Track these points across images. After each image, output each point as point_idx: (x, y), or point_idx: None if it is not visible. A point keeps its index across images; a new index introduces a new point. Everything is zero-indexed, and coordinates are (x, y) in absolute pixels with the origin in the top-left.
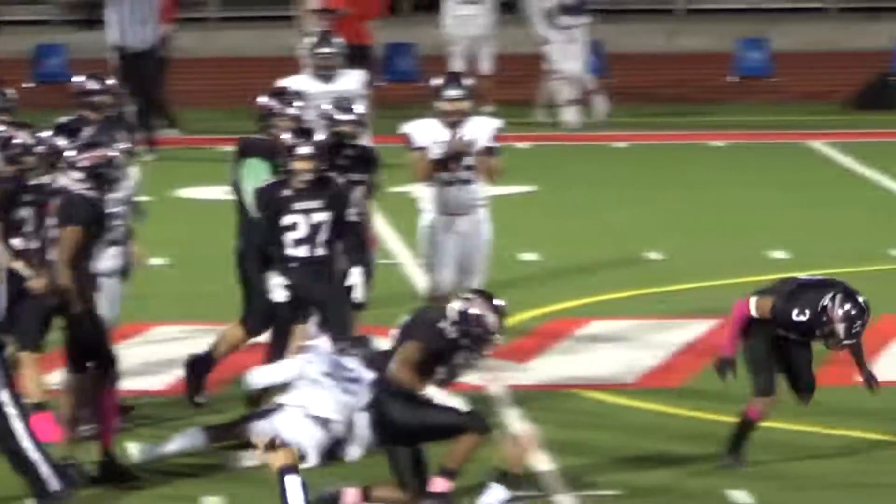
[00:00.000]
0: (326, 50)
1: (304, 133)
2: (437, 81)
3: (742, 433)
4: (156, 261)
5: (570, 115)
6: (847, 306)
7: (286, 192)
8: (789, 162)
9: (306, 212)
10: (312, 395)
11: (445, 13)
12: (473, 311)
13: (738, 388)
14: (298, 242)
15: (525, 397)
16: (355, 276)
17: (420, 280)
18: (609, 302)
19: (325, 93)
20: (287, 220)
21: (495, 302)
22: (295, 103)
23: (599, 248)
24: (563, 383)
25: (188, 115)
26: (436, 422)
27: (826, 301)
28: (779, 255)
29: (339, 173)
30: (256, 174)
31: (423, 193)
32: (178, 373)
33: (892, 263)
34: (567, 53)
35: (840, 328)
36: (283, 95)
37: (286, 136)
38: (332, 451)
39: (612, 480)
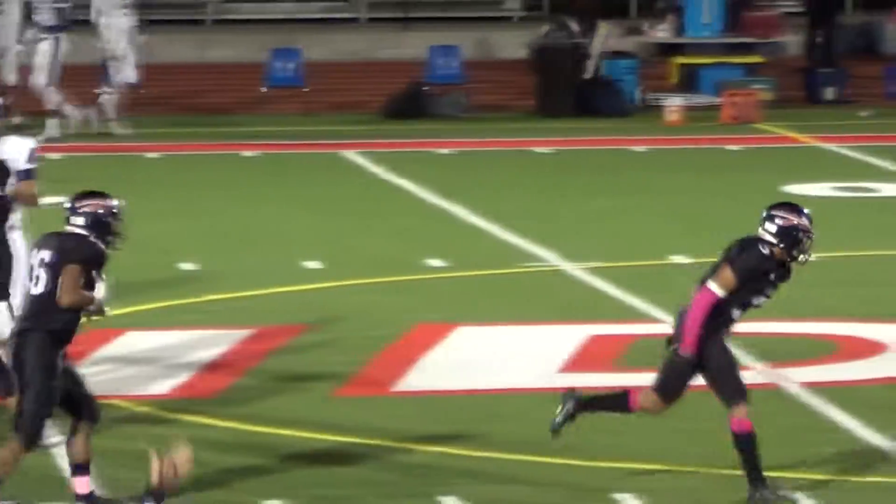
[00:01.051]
0: None
1: None
2: None
3: (753, 454)
4: None
5: (51, 128)
6: (803, 215)
7: None
8: (322, 172)
9: None
10: None
11: None
12: (96, 208)
13: (270, 401)
14: None
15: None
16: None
17: None
18: (144, 313)
19: None
20: None
21: (94, 191)
22: None
23: (134, 259)
24: (100, 394)
25: None
26: (28, 394)
27: (780, 222)
28: (313, 265)
29: None
30: None
31: None
32: None
33: (426, 273)
34: (35, 65)
35: (811, 231)
36: None
37: None
38: None
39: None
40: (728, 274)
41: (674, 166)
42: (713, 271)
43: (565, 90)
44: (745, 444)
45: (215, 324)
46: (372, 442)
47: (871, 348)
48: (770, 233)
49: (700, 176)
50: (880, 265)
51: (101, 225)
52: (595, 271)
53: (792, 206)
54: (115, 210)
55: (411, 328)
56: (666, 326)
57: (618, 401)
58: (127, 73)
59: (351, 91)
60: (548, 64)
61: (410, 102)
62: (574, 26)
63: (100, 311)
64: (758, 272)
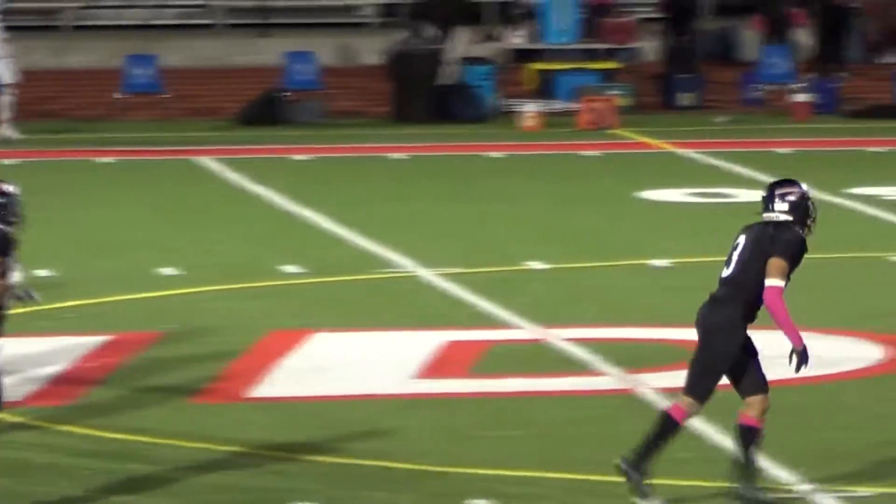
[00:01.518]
0: None
1: None
2: None
3: (662, 441)
4: None
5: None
6: (801, 185)
7: None
8: (178, 178)
9: None
10: None
11: None
12: None
13: (126, 408)
14: None
15: None
16: None
17: None
18: None
19: None
20: None
21: None
22: None
23: None
24: None
25: None
26: None
27: (791, 197)
28: (168, 271)
29: None
30: None
31: None
32: None
33: (282, 279)
34: None
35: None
36: None
37: None
38: None
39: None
40: (782, 264)
41: (530, 172)
42: (739, 270)
43: (422, 96)
44: (667, 429)
45: (70, 331)
46: (226, 449)
47: None
48: (785, 212)
49: (556, 182)
50: None
51: (2, 207)
52: (451, 277)
53: (788, 181)
54: (10, 192)
55: (266, 334)
56: (522, 332)
57: (748, 435)
58: (8, 75)
59: (207, 97)
60: (404, 70)
61: (267, 109)
62: (432, 32)
63: (30, 297)
64: (802, 254)
